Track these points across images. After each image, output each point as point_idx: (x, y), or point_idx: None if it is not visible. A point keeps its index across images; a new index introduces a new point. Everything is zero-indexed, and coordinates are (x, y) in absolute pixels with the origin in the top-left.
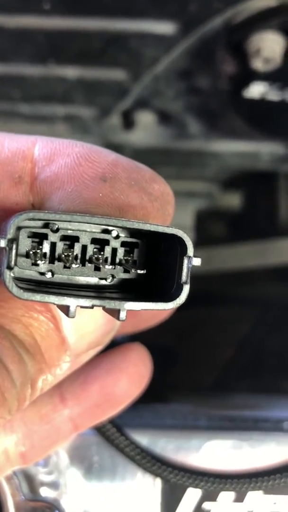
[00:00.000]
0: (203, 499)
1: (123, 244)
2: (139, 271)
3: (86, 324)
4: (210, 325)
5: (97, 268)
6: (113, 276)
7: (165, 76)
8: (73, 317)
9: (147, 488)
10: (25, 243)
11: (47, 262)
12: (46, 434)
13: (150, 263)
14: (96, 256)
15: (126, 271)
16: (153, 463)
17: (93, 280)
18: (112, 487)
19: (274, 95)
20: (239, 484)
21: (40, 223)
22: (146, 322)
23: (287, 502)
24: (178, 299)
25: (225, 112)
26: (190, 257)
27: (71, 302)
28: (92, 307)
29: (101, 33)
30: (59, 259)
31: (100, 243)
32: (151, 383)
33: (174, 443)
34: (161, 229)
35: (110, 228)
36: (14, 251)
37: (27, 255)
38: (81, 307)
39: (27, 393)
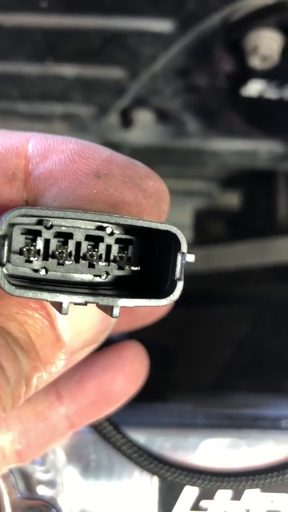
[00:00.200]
0: (201, 497)
1: (117, 241)
2: (133, 268)
3: (81, 322)
4: (209, 324)
5: (91, 265)
6: (107, 273)
7: (163, 74)
8: (66, 314)
9: (145, 487)
10: (19, 240)
11: (41, 259)
12: (42, 432)
13: (145, 260)
14: (90, 253)
15: (120, 268)
16: (150, 461)
17: (87, 277)
18: (109, 485)
19: (272, 93)
20: (236, 482)
21: (33, 220)
22: (142, 320)
23: (284, 500)
24: (172, 295)
25: (223, 110)
26: (184, 253)
27: (64, 298)
28: (85, 303)
29: (99, 31)
30: (53, 256)
31: (95, 240)
32: (151, 382)
33: (172, 441)
34: (154, 225)
35: (104, 224)
36: (6, 248)
37: (20, 252)
38: (74, 303)
39: (21, 391)
